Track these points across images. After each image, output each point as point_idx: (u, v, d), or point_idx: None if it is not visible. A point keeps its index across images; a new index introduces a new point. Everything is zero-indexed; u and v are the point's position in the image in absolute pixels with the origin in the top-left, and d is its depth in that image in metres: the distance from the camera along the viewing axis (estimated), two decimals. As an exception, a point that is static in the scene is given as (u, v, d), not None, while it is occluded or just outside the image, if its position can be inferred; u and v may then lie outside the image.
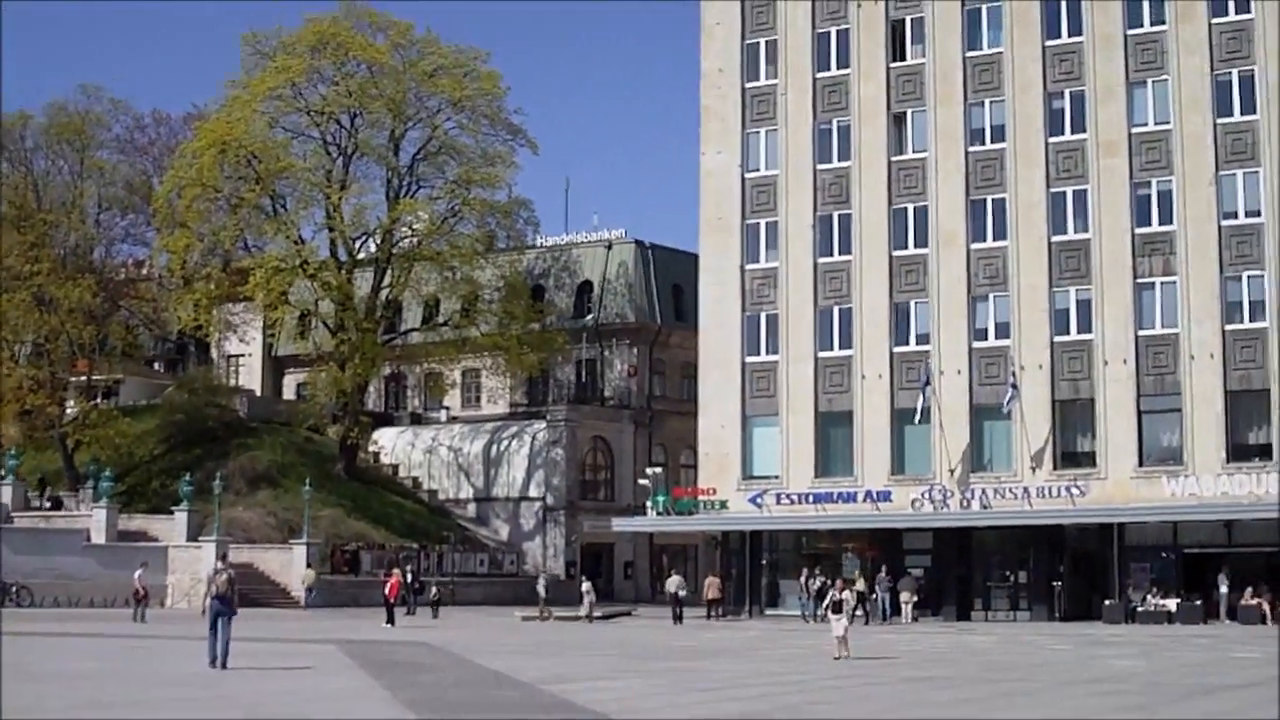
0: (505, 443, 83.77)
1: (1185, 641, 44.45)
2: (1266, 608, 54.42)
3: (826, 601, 37.90)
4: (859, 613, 52.92)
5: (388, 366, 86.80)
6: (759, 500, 63.51)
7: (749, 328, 65.10)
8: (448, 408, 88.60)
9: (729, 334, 65.11)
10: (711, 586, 62.36)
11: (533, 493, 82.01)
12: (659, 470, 70.63)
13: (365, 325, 78.01)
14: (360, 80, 78.50)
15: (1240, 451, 56.61)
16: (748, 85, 66.38)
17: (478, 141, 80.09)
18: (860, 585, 57.62)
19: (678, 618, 57.51)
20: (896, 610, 59.24)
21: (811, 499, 62.84)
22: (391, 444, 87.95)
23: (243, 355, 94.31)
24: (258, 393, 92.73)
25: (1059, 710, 23.86)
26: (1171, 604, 56.20)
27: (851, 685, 28.06)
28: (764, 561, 63.73)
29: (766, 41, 66.37)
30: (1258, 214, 56.93)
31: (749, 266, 65.37)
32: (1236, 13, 57.90)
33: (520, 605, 66.33)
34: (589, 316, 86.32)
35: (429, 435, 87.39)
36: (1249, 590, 55.16)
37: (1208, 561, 57.50)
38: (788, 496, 63.24)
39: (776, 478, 63.75)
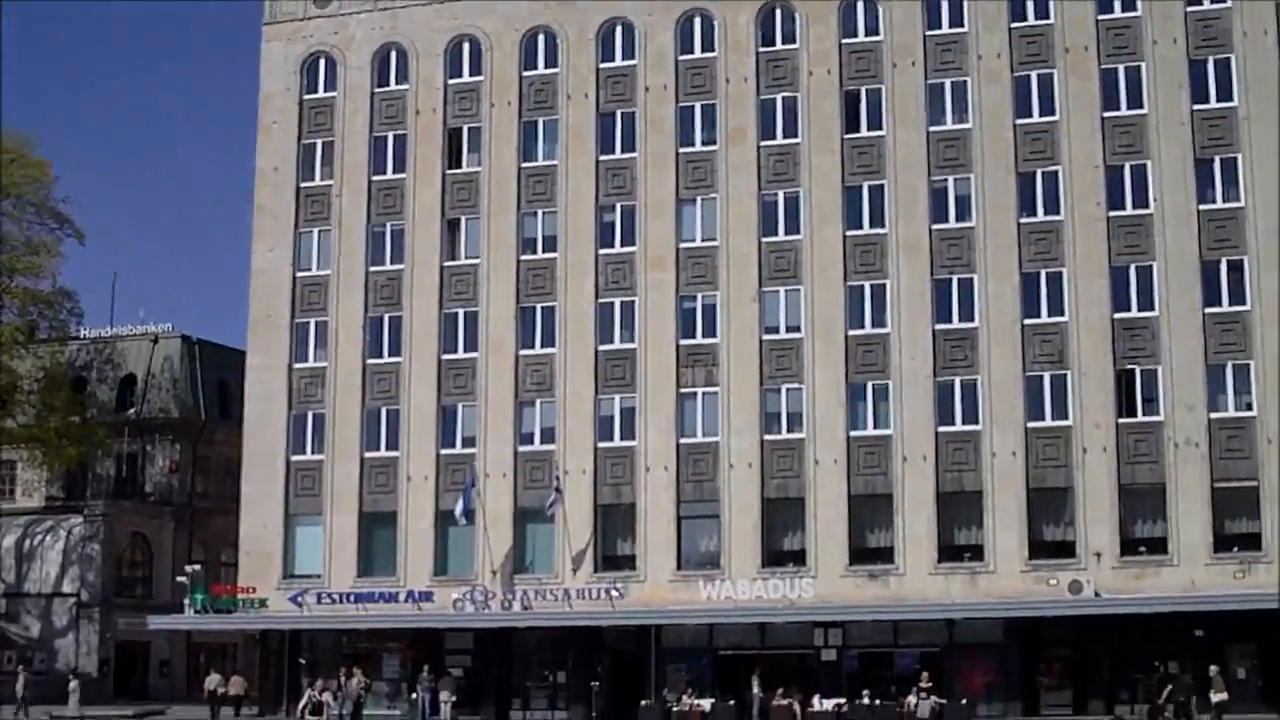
0: (39, 537, 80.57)
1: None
2: (797, 707, 56.47)
3: (304, 702, 37.52)
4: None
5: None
6: (300, 599, 62.74)
7: (295, 426, 64.56)
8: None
9: (274, 432, 64.43)
10: (235, 684, 62.46)
11: (66, 589, 79.03)
12: (198, 567, 69.29)
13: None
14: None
15: (775, 557, 58.86)
16: (303, 185, 66.27)
17: (22, 229, 77.44)
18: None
19: (214, 715, 56.50)
20: (436, 710, 59.22)
21: (353, 598, 62.40)
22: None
23: None
24: None
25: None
26: (706, 704, 57.67)
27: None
28: (302, 661, 62.79)
29: (324, 142, 66.41)
30: (798, 329, 59.41)
31: (297, 365, 64.94)
32: (784, 136, 60.65)
33: (49, 704, 63.83)
34: (131, 410, 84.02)
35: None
36: (780, 690, 57.06)
37: (742, 663, 59.28)
38: (329, 595, 62.67)
39: (318, 576, 63.18)
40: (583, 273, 62.22)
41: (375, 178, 65.66)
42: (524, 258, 63.22)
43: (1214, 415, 56.56)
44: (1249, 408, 56.49)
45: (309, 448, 64.36)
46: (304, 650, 63.89)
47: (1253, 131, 57.34)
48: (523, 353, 62.51)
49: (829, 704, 57.02)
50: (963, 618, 57.36)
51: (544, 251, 63.12)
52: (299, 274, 65.68)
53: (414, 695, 60.46)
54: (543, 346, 62.45)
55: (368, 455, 63.56)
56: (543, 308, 62.62)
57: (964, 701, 55.89)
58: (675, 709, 58.15)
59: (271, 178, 66.63)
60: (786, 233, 60.76)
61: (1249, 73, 57.83)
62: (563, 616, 60.04)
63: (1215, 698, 45.49)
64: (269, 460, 64.47)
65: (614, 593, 59.85)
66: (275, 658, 64.26)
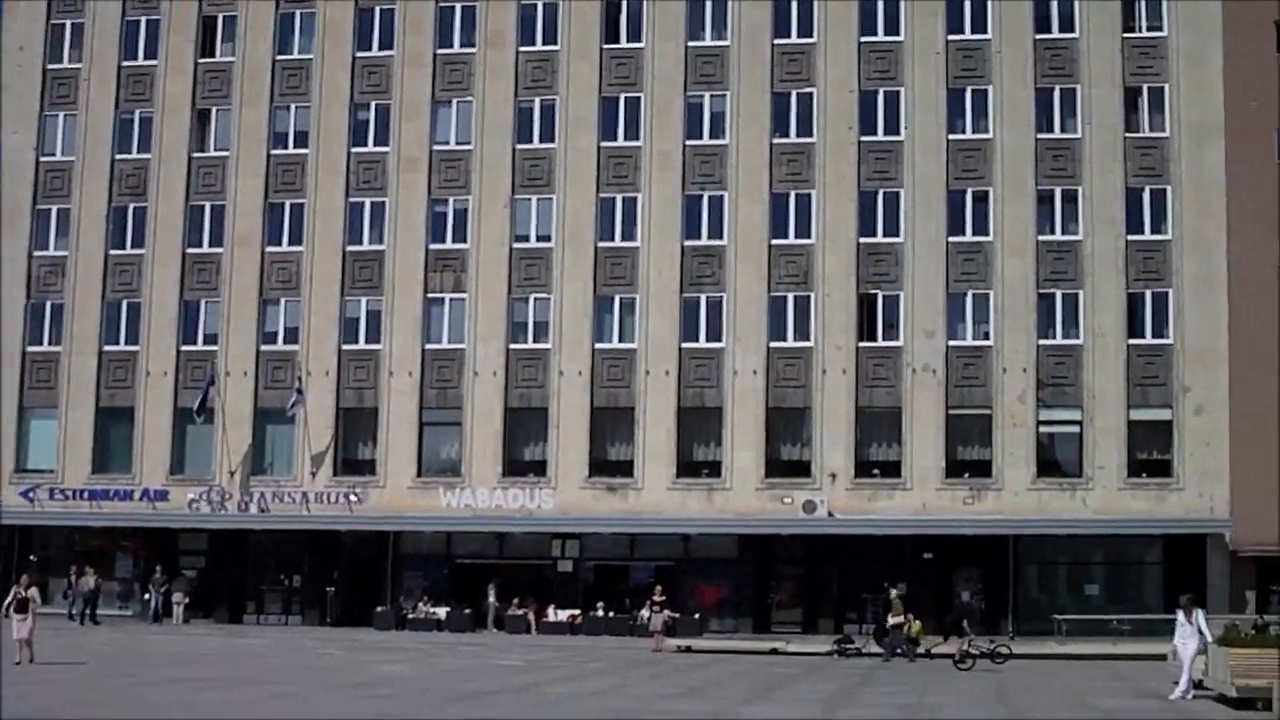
0: None
1: (452, 649, 45.74)
2: (531, 617, 56.47)
3: (9, 600, 36.46)
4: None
5: None
6: (32, 495, 61.19)
7: (32, 316, 62.67)
8: None
9: (10, 321, 62.43)
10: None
11: None
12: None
13: None
14: None
15: (515, 467, 58.72)
16: (49, 66, 64.01)
17: None
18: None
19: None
20: (168, 611, 58.30)
21: (87, 495, 60.96)
22: None
23: None
24: None
25: (323, 713, 23.97)
26: (442, 612, 57.45)
27: (109, 687, 27.38)
28: (33, 558, 61.28)
29: (73, 23, 64.17)
30: (548, 238, 58.94)
31: (37, 253, 62.97)
32: (543, 43, 60.01)
33: None
34: None
35: None
36: (516, 600, 57.01)
37: (479, 571, 59.14)
38: (62, 492, 61.17)
39: (52, 472, 61.61)
40: (334, 171, 61.06)
41: (125, 63, 63.67)
42: (274, 152, 61.90)
43: (952, 343, 57.29)
44: (986, 336, 57.30)
45: (46, 339, 62.57)
46: (36, 547, 62.30)
47: (1004, 65, 57.86)
48: (269, 249, 61.28)
49: (563, 615, 57.24)
50: (698, 533, 57.77)
51: (295, 147, 61.81)
52: (42, 159, 63.57)
53: (146, 596, 59.58)
54: (290, 244, 61.28)
55: (106, 348, 61.99)
56: (291, 204, 61.43)
57: (696, 616, 56.31)
58: (410, 616, 57.87)
59: (17, 57, 64.21)
60: (541, 140, 60.17)
61: (1003, 9, 58.22)
62: (300, 520, 59.41)
63: (892, 620, 46.06)
64: (6, 351, 62.46)
65: (353, 497, 59.22)
66: (5, 554, 62.57)
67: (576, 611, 57.37)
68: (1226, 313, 56.29)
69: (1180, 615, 32.01)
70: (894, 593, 48.04)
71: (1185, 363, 56.41)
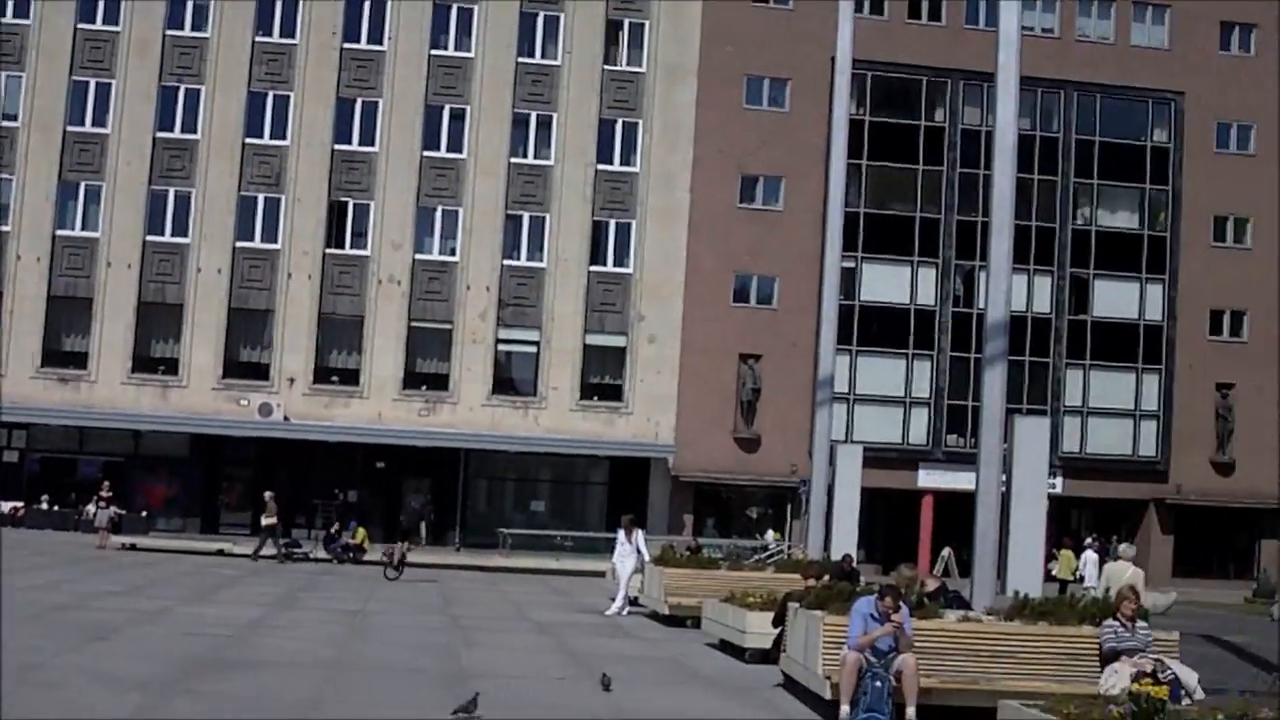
0: None
1: None
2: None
3: None
4: None
5: None
6: None
7: None
8: None
9: None
10: None
11: None
12: None
13: None
14: None
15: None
16: None
17: None
18: None
19: None
20: None
21: None
22: None
23: None
24: None
25: None
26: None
27: None
28: None
29: None
30: (14, 117, 57.14)
31: None
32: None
33: None
34: None
35: None
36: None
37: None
38: None
39: None
40: None
41: None
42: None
43: (419, 256, 57.66)
44: (453, 253, 57.83)
45: None
46: None
47: (491, -16, 58.28)
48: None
49: (5, 506, 55.79)
50: (150, 430, 57.02)
51: None
52: None
53: None
54: None
55: None
56: None
57: (144, 514, 55.63)
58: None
59: None
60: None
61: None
62: None
63: (265, 520, 46.06)
64: None
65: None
66: None
67: (20, 504, 56.02)
68: (685, 248, 57.80)
69: (620, 534, 32.55)
70: (267, 495, 47.60)
71: (643, 293, 57.83)
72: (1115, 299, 60.60)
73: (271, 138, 57.57)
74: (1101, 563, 45.61)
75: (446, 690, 17.17)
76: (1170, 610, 39.46)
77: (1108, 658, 16.84)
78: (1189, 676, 16.67)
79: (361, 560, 45.63)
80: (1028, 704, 14.08)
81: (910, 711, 16.25)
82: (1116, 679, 16.01)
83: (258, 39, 57.99)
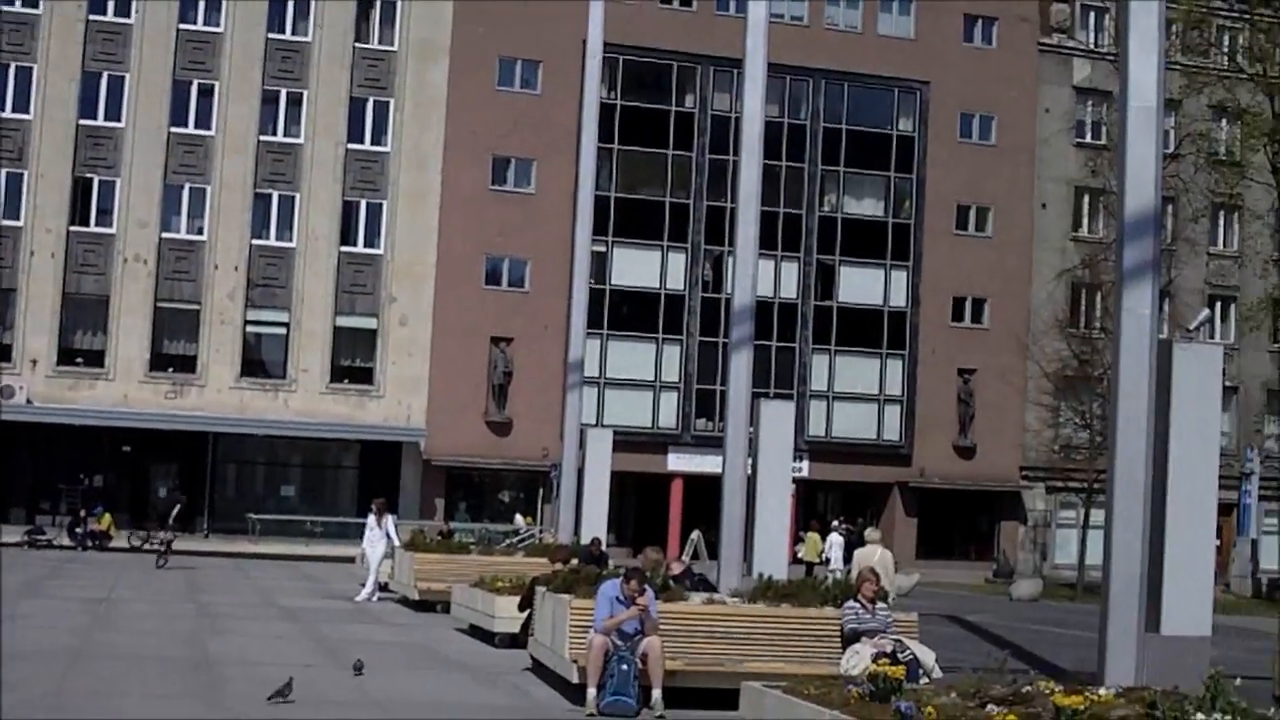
0: None
1: None
2: None
3: None
4: None
5: None
6: None
7: None
8: None
9: None
10: None
11: None
12: None
13: None
14: None
15: None
16: None
17: None
18: None
19: None
20: None
21: None
22: None
23: None
24: None
25: None
26: None
27: None
28: None
29: None
30: None
31: None
32: None
33: None
34: None
35: None
36: None
37: None
38: None
39: None
40: None
41: None
42: None
43: (165, 234, 56.59)
44: (200, 231, 56.80)
45: None
46: None
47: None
48: None
49: None
50: (-116, 413, 54.97)
51: None
52: None
53: None
54: None
55: None
56: None
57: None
58: None
59: None
60: None
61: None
62: None
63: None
64: None
65: None
66: None
67: None
68: (437, 228, 57.60)
69: (371, 519, 32.49)
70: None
71: (394, 274, 57.48)
72: (860, 285, 61.80)
73: (14, 111, 55.86)
74: (847, 545, 46.81)
75: (193, 678, 16.96)
76: (913, 591, 40.55)
77: (849, 639, 17.22)
78: (927, 656, 17.12)
79: (107, 547, 44.75)
80: (770, 685, 14.32)
81: (656, 694, 16.45)
82: (857, 660, 16.36)
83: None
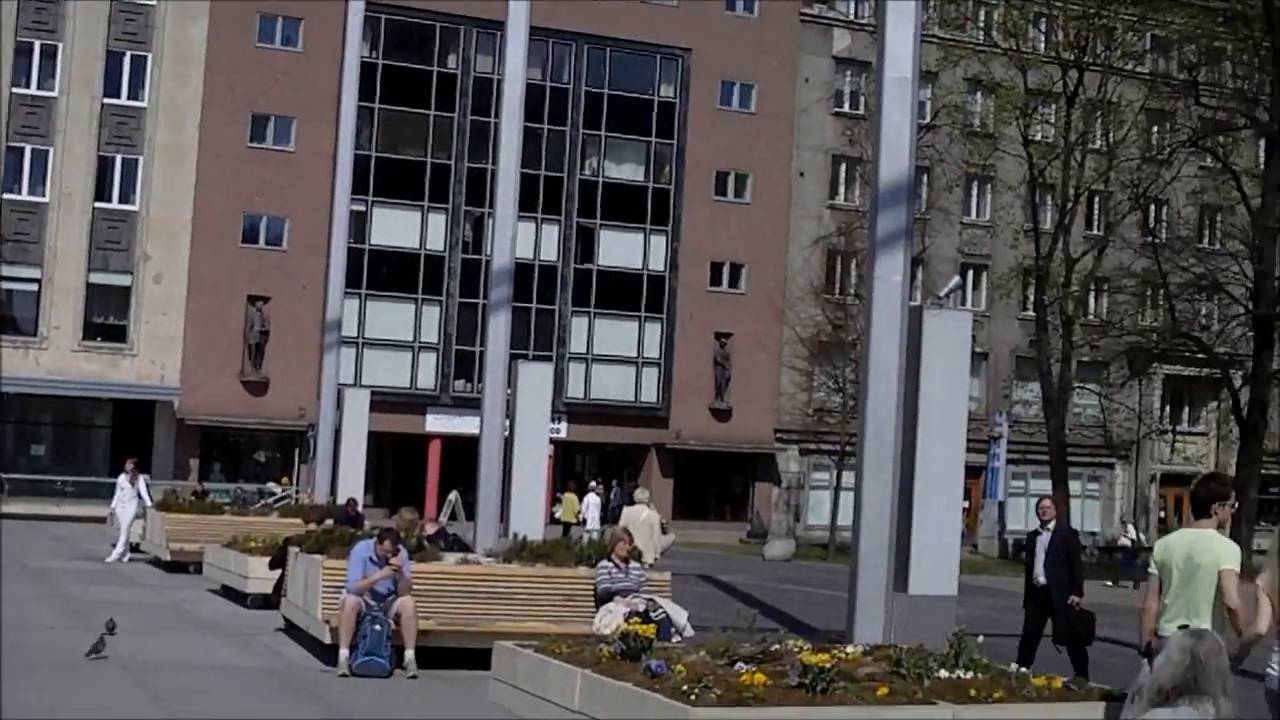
0: None
1: None
2: None
3: None
4: None
5: None
6: None
7: None
8: None
9: None
10: None
11: None
12: None
13: None
14: None
15: None
16: None
17: None
18: None
19: None
20: None
21: None
22: None
23: None
24: None
25: None
26: None
27: None
28: None
29: None
30: None
31: None
32: None
33: None
34: None
35: None
36: None
37: None
38: None
39: None
40: None
41: None
42: None
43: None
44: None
45: None
46: None
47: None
48: None
49: None
50: None
51: None
52: None
53: None
54: None
55: None
56: None
57: None
58: None
59: None
60: None
61: None
62: None
63: None
64: None
65: None
66: None
67: None
68: (194, 184, 56.66)
69: (123, 479, 32.05)
70: None
71: (149, 230, 56.43)
72: (620, 249, 62.19)
73: None
74: (604, 506, 47.22)
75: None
76: (669, 551, 41.01)
77: (602, 598, 17.49)
78: (679, 615, 17.46)
79: None
80: (522, 645, 14.50)
81: (409, 654, 16.54)
82: (610, 618, 16.64)
83: None
